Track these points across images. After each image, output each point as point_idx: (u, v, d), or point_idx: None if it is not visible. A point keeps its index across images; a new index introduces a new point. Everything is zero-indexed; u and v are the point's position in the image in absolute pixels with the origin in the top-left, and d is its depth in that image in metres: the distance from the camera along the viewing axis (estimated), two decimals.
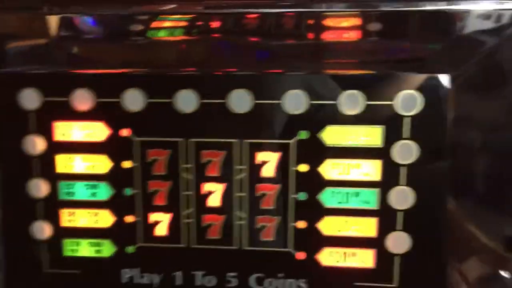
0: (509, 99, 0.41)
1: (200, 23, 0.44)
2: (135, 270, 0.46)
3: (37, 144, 0.45)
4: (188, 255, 0.46)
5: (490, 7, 0.40)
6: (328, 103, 0.42)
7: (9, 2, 0.45)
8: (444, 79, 0.41)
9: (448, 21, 0.41)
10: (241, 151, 0.44)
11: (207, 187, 0.45)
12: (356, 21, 0.42)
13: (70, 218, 0.46)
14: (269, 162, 0.44)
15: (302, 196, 0.44)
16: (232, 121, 0.43)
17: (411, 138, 0.42)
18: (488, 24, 0.41)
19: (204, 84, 0.43)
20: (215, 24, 0.43)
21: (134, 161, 0.45)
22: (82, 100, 0.44)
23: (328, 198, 0.44)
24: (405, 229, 0.43)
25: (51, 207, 0.46)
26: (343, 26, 0.43)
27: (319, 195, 0.43)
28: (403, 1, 0.41)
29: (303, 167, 0.43)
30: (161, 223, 0.45)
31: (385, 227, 0.43)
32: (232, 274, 0.45)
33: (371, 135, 0.42)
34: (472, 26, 0.41)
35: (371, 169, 0.43)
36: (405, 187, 0.43)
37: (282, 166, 0.43)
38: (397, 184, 0.43)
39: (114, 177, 0.45)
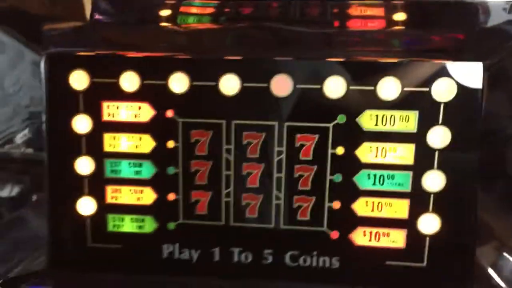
0: None
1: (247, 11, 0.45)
2: (175, 246, 0.48)
3: (85, 124, 0.47)
4: (226, 232, 0.47)
5: None
6: (367, 89, 0.44)
7: None
8: (478, 67, 0.42)
9: (483, 11, 0.43)
10: (281, 134, 0.45)
11: (247, 167, 0.46)
12: (397, 11, 0.44)
13: (115, 194, 0.48)
14: (307, 144, 0.45)
15: (338, 177, 0.45)
16: (273, 104, 0.45)
17: (445, 124, 0.43)
18: None
19: (246, 68, 0.45)
20: (263, 12, 0.45)
21: (177, 142, 0.46)
22: (129, 81, 0.46)
23: (364, 180, 0.45)
24: (435, 211, 0.45)
25: (97, 184, 0.48)
26: (383, 16, 0.44)
27: (355, 177, 0.45)
28: None
29: (340, 150, 0.45)
30: (201, 201, 0.47)
31: (417, 209, 0.45)
32: (268, 251, 0.47)
33: (406, 121, 0.44)
34: (506, 16, 0.42)
35: (406, 153, 0.44)
36: (437, 171, 0.44)
37: (320, 149, 0.45)
38: (430, 168, 0.44)
39: (158, 157, 0.47)
